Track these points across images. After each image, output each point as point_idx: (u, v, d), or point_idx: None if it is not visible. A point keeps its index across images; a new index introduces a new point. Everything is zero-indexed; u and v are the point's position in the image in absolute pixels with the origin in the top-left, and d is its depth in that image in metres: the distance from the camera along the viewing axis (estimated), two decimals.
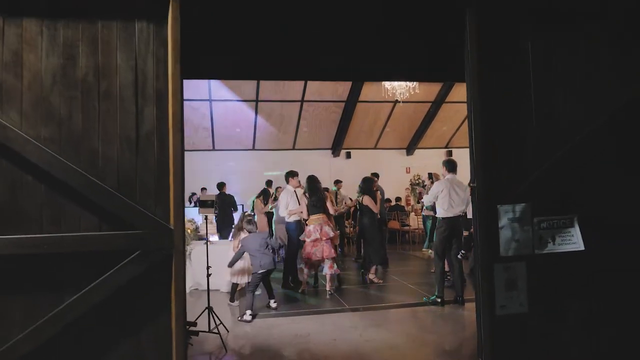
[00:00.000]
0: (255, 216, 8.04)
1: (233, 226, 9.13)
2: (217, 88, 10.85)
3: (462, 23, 3.07)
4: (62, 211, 2.61)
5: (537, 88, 3.10)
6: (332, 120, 12.53)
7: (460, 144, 12.84)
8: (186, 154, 2.87)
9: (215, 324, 4.58)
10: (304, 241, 6.52)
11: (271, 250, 5.57)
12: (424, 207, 7.86)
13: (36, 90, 2.63)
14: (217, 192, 9.69)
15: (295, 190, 6.92)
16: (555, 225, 2.96)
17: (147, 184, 2.69)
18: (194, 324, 4.37)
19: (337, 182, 10.18)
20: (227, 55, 3.06)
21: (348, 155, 13.51)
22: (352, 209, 8.57)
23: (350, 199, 10.12)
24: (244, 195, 11.84)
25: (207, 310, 4.66)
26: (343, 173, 12.02)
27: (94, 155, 2.65)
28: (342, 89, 11.44)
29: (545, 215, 2.97)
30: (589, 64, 3.18)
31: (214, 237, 8.04)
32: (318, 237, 6.31)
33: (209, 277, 4.80)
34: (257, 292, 5.85)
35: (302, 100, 11.62)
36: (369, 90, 11.36)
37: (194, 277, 6.46)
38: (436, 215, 6.11)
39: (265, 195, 9.14)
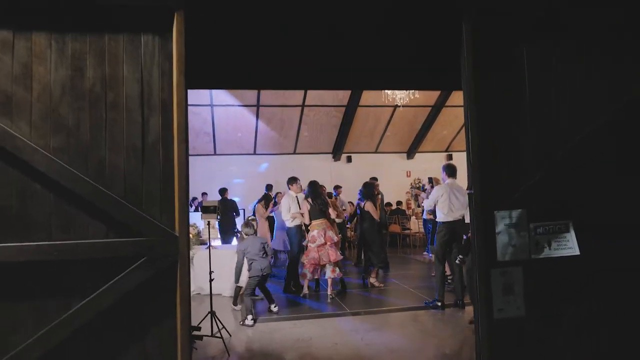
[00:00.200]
0: (258, 221, 8.12)
1: (235, 230, 9.23)
2: (219, 93, 10.96)
3: (459, 33, 3.14)
4: (71, 219, 2.68)
5: (532, 96, 3.17)
6: (333, 124, 12.62)
7: (460, 148, 12.92)
8: None
9: (218, 328, 4.64)
10: (306, 246, 6.60)
11: (267, 255, 5.64)
12: (425, 211, 7.92)
13: (45, 101, 2.71)
14: (219, 197, 9.77)
15: (297, 196, 7.00)
16: (550, 230, 3.03)
17: (152, 191, 2.77)
18: (198, 328, 4.44)
19: (337, 188, 10.25)
20: (229, 66, 3.14)
21: (349, 160, 13.59)
22: (352, 213, 8.63)
23: (351, 203, 10.18)
24: (245, 200, 11.93)
25: (209, 314, 4.73)
26: (344, 177, 12.10)
27: (102, 164, 2.73)
28: (342, 93, 11.54)
29: (541, 220, 3.04)
30: (583, 71, 3.24)
31: (216, 242, 8.10)
32: (323, 242, 6.38)
33: (212, 282, 4.87)
34: (259, 296, 5.91)
35: (303, 105, 11.72)
36: (369, 95, 11.45)
37: (196, 281, 6.52)
38: (436, 220, 6.19)
39: (267, 200, 9.22)
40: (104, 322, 2.68)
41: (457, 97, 11.62)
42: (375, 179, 9.36)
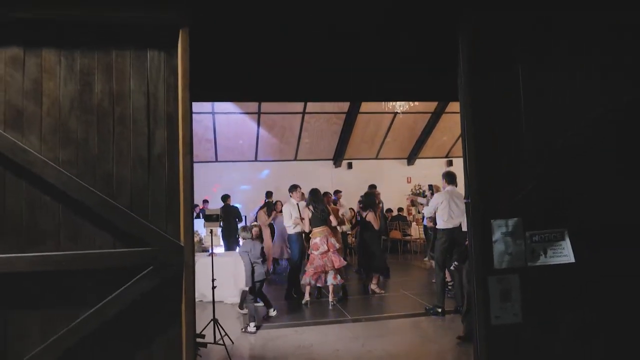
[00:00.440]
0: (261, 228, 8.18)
1: (238, 236, 9.28)
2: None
3: (455, 45, 3.24)
4: (79, 229, 2.76)
5: (527, 101, 3.24)
6: (334, 131, 12.71)
7: (460, 154, 12.80)
8: None
9: (221, 335, 4.70)
10: (309, 255, 6.66)
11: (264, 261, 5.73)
12: (425, 217, 7.99)
13: (55, 115, 2.80)
14: (221, 203, 9.84)
15: (297, 204, 7.08)
16: (546, 238, 3.10)
17: (158, 202, 2.85)
18: (202, 336, 4.50)
19: (337, 192, 10.30)
20: (232, 80, 3.24)
21: (349, 166, 13.67)
22: (353, 220, 8.69)
23: (352, 209, 10.25)
24: (247, 207, 11.99)
25: (212, 322, 4.79)
26: (345, 183, 12.17)
27: (109, 176, 2.81)
28: None
29: (537, 228, 3.11)
30: (580, 73, 3.30)
31: (219, 249, 8.17)
32: (326, 249, 6.44)
33: (214, 289, 4.93)
34: (259, 304, 5.97)
35: (304, 112, 11.82)
36: (369, 102, 11.55)
37: (198, 288, 6.55)
38: (436, 227, 6.26)
39: (269, 207, 9.29)
40: (111, 331, 2.74)
41: (456, 104, 11.63)
42: (374, 186, 9.44)
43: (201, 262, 6.60)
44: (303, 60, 3.29)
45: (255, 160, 13.18)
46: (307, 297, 6.59)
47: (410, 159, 14.17)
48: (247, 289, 5.93)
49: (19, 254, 2.67)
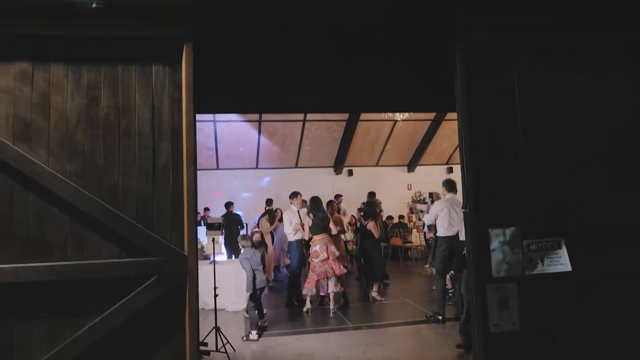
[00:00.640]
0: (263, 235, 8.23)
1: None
2: None
3: (452, 58, 3.32)
4: (86, 240, 2.83)
5: (524, 112, 3.31)
6: (334, 138, 12.79)
7: None
8: None
9: (223, 343, 4.74)
10: (309, 263, 6.70)
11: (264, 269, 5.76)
12: (425, 225, 8.05)
13: (62, 128, 2.87)
14: (221, 210, 9.89)
15: (298, 211, 7.13)
16: (543, 247, 3.15)
17: (163, 213, 2.91)
18: (205, 344, 4.54)
19: (338, 197, 10.35)
20: (234, 92, 3.30)
21: (350, 173, 13.74)
22: (353, 227, 8.75)
23: (352, 216, 10.30)
24: (248, 214, 12.05)
25: (214, 329, 4.83)
26: (345, 190, 12.22)
27: (115, 188, 2.88)
28: None
29: (534, 237, 3.17)
30: (577, 86, 3.38)
31: (220, 257, 8.21)
32: (326, 256, 6.49)
33: (216, 297, 4.98)
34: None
35: (304, 120, 11.91)
36: None
37: (200, 296, 6.58)
38: (437, 234, 6.31)
39: (270, 214, 9.34)
40: (116, 340, 2.80)
41: None
42: (373, 194, 9.49)
43: (203, 270, 6.58)
44: (303, 61, 3.36)
45: (257, 167, 13.25)
46: (308, 305, 6.62)
47: (411, 166, 14.23)
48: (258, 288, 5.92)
49: (26, 264, 2.74)
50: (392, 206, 12.54)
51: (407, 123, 12.05)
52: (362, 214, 7.43)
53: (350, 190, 12.41)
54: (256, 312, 5.57)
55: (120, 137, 2.92)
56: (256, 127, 11.95)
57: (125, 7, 2.86)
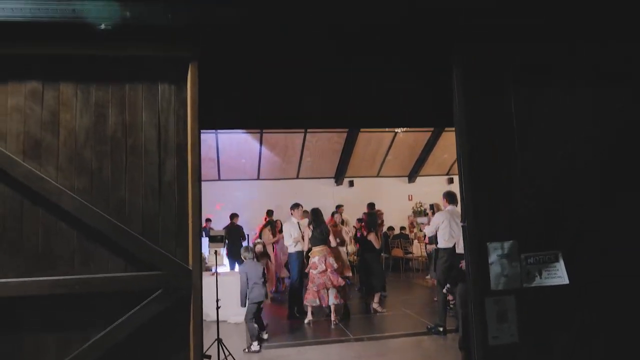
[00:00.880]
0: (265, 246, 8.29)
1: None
2: None
3: (450, 75, 3.41)
4: (93, 254, 2.90)
5: (520, 132, 3.39)
6: (335, 149, 12.89)
7: None
8: None
9: (225, 355, 4.77)
10: (307, 272, 6.74)
11: (265, 283, 5.79)
12: (426, 237, 8.08)
13: (71, 146, 2.96)
14: (223, 221, 9.93)
15: (298, 222, 7.18)
16: (541, 260, 3.21)
17: (168, 228, 2.98)
18: (208, 356, 4.57)
19: (339, 207, 10.39)
20: (237, 110, 3.39)
21: (351, 184, 13.81)
22: (351, 238, 8.77)
23: (353, 226, 10.33)
24: (249, 225, 12.09)
25: (216, 341, 4.86)
26: (346, 201, 12.26)
27: (122, 203, 2.96)
28: None
29: (532, 251, 3.22)
30: (569, 105, 3.46)
31: (222, 268, 8.25)
32: (324, 268, 6.52)
33: (218, 309, 5.01)
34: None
35: (305, 131, 12.01)
36: None
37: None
38: (437, 246, 6.35)
39: (272, 225, 9.40)
40: (122, 353, 2.85)
41: None
42: (373, 205, 9.54)
43: (205, 282, 6.61)
44: (305, 76, 3.45)
45: (258, 178, 13.34)
46: (309, 317, 6.65)
47: (411, 177, 14.30)
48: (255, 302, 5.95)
49: (34, 277, 2.80)
50: (393, 217, 12.58)
51: (407, 134, 12.15)
52: (362, 224, 7.49)
53: (351, 201, 12.46)
54: (255, 323, 5.60)
55: (127, 153, 3.01)
56: (258, 138, 12.06)
57: (132, 29, 2.96)
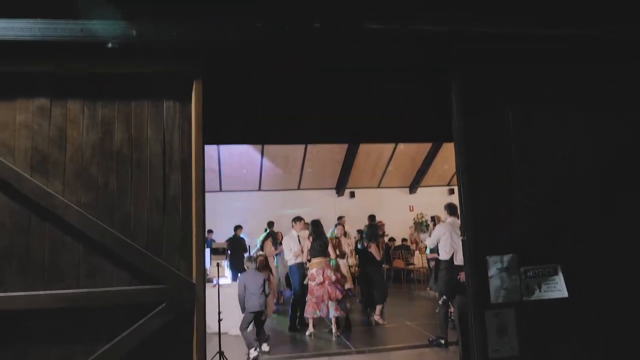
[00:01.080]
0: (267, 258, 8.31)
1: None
2: None
3: (448, 93, 3.48)
4: (97, 268, 2.94)
5: (518, 146, 3.45)
6: (336, 160, 12.94)
7: None
8: None
9: None
10: (305, 284, 6.76)
11: (265, 293, 5.80)
12: (428, 248, 8.10)
13: (77, 161, 3.02)
14: (225, 232, 9.95)
15: (298, 235, 7.21)
16: (540, 273, 3.24)
17: (172, 241, 3.03)
18: None
19: (340, 218, 10.40)
20: (241, 125, 3.46)
21: (352, 195, 13.85)
22: (352, 251, 8.78)
23: (354, 237, 10.33)
24: (250, 236, 12.11)
25: (218, 354, 4.87)
26: (347, 212, 12.28)
27: (127, 218, 3.01)
28: None
29: (531, 264, 3.26)
30: (562, 122, 3.53)
31: (224, 280, 8.25)
32: (322, 280, 6.53)
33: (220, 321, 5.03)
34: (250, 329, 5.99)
35: (307, 142, 12.08)
36: None
37: None
38: (439, 258, 6.37)
39: (273, 237, 9.42)
40: None
41: None
42: (373, 217, 9.55)
43: (207, 294, 6.69)
44: (306, 102, 3.53)
45: (259, 189, 13.39)
46: (311, 329, 6.64)
47: (412, 188, 14.34)
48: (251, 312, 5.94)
49: (40, 291, 2.84)
50: (395, 228, 12.59)
51: (408, 145, 12.22)
52: (363, 235, 7.51)
53: (352, 212, 12.48)
54: (248, 331, 5.59)
55: (132, 169, 3.07)
56: (259, 149, 12.13)
57: (139, 47, 3.03)
